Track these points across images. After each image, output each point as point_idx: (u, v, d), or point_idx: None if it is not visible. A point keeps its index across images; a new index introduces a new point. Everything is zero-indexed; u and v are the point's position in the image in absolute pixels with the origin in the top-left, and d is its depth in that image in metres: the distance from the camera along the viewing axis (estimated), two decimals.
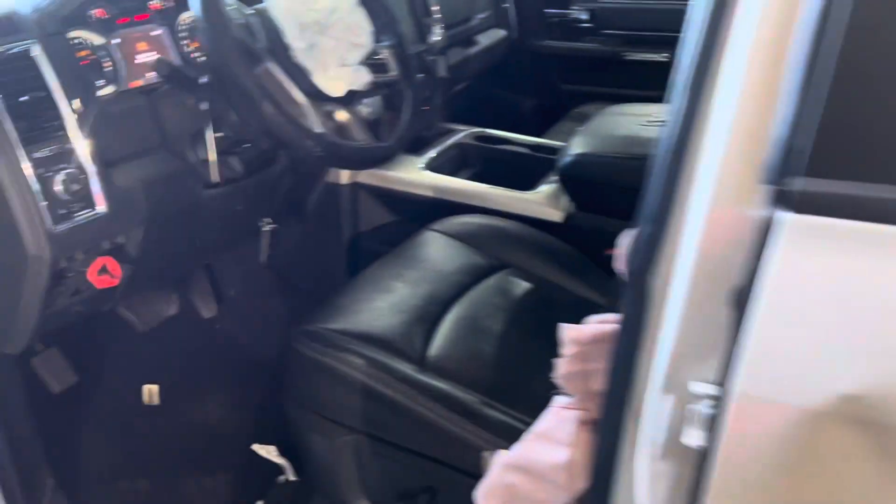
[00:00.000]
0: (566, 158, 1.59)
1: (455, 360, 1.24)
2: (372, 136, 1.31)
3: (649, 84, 2.45)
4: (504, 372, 1.23)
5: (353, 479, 1.25)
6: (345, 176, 1.81)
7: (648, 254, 0.71)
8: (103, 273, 1.20)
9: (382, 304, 1.34)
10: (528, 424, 1.12)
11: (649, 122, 1.63)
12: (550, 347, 1.31)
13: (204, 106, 1.22)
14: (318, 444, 1.29)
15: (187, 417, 1.66)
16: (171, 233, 1.35)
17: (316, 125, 1.19)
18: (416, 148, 1.89)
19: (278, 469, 1.59)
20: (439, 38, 1.92)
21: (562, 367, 0.91)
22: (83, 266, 1.16)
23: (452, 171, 1.86)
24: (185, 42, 1.32)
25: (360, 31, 1.24)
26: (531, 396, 1.18)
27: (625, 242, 0.86)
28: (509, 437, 1.09)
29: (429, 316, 1.32)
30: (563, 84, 2.60)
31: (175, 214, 1.31)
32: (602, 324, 0.92)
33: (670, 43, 2.37)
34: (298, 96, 1.19)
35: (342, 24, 1.22)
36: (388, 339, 1.25)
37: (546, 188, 1.71)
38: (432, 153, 1.88)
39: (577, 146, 1.60)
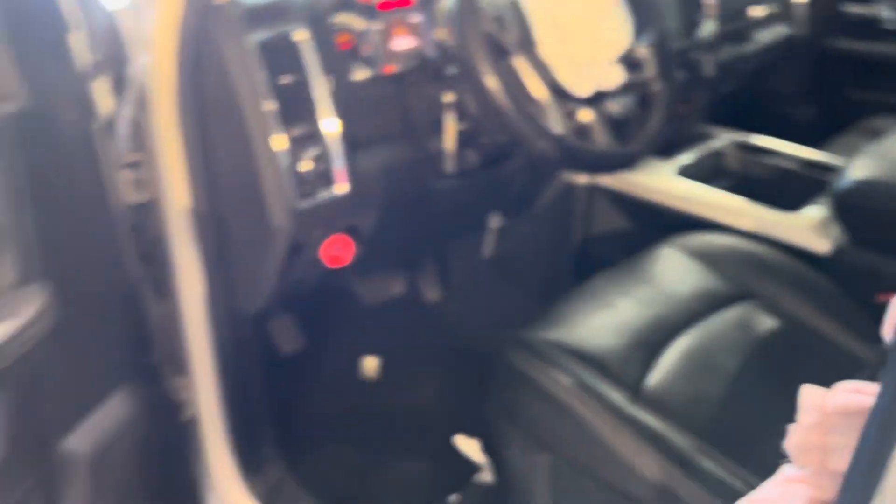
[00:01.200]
0: (845, 182, 1.35)
1: (675, 396, 1.11)
2: (616, 140, 1.21)
3: None
4: (731, 418, 1.08)
5: (546, 501, 1.18)
6: (583, 176, 1.72)
7: None
8: (335, 252, 1.24)
9: (602, 321, 1.24)
10: (748, 483, 0.98)
11: None
12: (793, 402, 1.14)
13: (448, 97, 1.20)
14: (513, 456, 1.24)
15: (399, 397, 1.69)
16: (402, 219, 1.37)
17: (556, 125, 1.11)
18: (666, 151, 1.73)
19: (476, 465, 1.56)
20: (709, 34, 1.74)
21: (796, 437, 0.75)
22: (318, 241, 1.21)
23: (705, 181, 1.68)
24: (437, 30, 1.32)
25: (617, 27, 1.14)
26: (763, 455, 1.03)
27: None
28: (720, 493, 0.96)
29: (652, 341, 1.20)
30: (851, 90, 2.25)
31: (408, 201, 1.33)
32: (856, 393, 0.74)
33: None
34: (540, 93, 1.13)
35: (599, 18, 1.13)
36: (601, 360, 1.15)
37: (813, 212, 1.48)
38: (686, 159, 1.72)
39: (859, 169, 1.35)
